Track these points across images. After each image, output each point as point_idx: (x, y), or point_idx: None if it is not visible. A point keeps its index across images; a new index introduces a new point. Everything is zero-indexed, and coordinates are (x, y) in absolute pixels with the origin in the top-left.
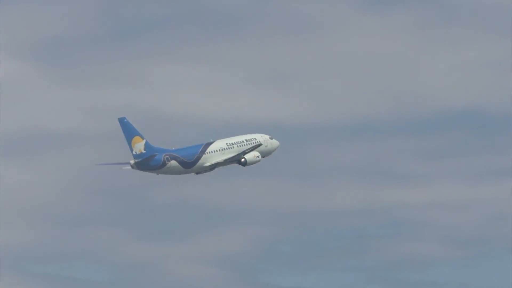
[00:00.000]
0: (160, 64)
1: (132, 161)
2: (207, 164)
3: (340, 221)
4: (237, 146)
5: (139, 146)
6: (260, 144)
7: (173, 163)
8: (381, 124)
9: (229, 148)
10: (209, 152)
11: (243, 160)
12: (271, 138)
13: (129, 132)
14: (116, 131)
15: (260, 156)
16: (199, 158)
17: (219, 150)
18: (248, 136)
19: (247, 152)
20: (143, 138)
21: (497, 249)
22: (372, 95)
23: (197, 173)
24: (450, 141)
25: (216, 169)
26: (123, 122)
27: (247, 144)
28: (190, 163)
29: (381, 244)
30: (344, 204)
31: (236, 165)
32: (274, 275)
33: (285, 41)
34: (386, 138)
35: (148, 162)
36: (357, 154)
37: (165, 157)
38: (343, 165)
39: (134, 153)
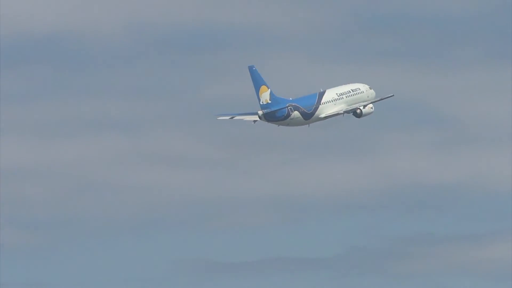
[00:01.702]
0: None
1: (260, 112)
2: (323, 115)
3: None
4: (346, 97)
5: (265, 95)
6: (393, 95)
7: (296, 114)
8: None
9: (339, 98)
10: (324, 103)
11: (358, 111)
12: (370, 88)
13: (257, 81)
14: None
15: (373, 108)
16: (316, 108)
17: (332, 101)
18: (353, 86)
19: (369, 104)
20: (268, 87)
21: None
22: None
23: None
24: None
25: None
26: (252, 70)
27: (353, 94)
28: (309, 114)
29: None
30: None
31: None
32: None
33: None
34: None
35: (275, 113)
36: None
37: (288, 108)
38: None
39: (261, 103)
